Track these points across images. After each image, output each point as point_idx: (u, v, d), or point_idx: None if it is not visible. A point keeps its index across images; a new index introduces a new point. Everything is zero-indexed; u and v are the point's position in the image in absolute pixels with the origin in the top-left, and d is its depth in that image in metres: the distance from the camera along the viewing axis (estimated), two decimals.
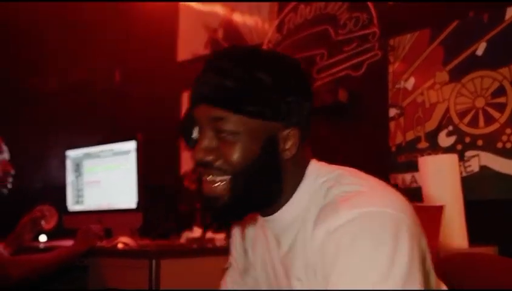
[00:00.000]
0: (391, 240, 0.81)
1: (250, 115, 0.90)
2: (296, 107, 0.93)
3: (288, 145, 0.93)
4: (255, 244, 1.10)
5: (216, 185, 0.93)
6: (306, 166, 0.98)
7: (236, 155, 0.91)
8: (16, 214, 2.22)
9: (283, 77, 0.92)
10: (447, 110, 2.09)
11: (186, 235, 2.27)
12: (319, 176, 0.96)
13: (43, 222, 2.21)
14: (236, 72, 0.90)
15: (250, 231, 1.11)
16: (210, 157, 0.92)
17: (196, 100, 0.94)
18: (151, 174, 2.71)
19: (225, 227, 1.01)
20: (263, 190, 0.94)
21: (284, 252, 0.98)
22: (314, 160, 1.00)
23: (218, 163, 0.92)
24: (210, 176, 0.93)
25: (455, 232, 1.80)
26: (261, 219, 1.04)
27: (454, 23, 2.10)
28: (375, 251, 0.80)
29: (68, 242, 2.21)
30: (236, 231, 1.16)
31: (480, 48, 2.02)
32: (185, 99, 3.14)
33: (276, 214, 0.97)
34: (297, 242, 0.95)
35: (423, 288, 0.81)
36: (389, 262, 0.80)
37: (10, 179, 2.12)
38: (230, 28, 2.96)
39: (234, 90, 0.89)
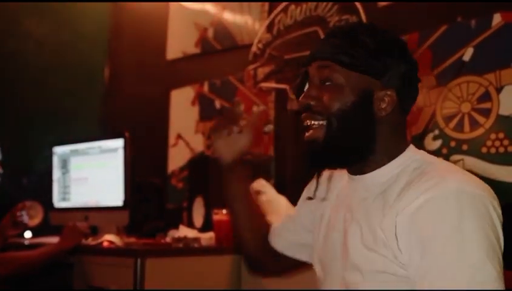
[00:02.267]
0: (479, 219, 0.90)
1: (349, 67, 1.02)
2: (394, 71, 1.03)
3: (383, 104, 1.02)
4: (336, 198, 1.17)
5: (313, 128, 1.04)
6: (406, 143, 1.06)
7: (333, 100, 1.02)
8: (2, 211, 2.21)
9: (386, 44, 1.03)
10: (433, 114, 2.10)
11: (172, 234, 2.27)
12: (416, 154, 1.05)
13: (26, 218, 2.19)
14: (345, 34, 1.04)
15: (337, 185, 1.18)
16: (312, 102, 1.04)
17: (310, 59, 1.07)
18: (138, 172, 2.71)
19: (320, 169, 1.14)
20: (355, 137, 1.03)
21: (355, 203, 1.06)
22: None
23: (317, 107, 1.03)
24: (309, 121, 1.04)
25: None
26: (349, 178, 1.11)
27: (442, 28, 2.12)
28: (464, 224, 0.88)
29: (54, 239, 2.21)
30: (323, 183, 1.23)
31: (467, 54, 2.04)
32: (174, 97, 3.14)
33: (366, 175, 1.05)
34: (377, 199, 1.02)
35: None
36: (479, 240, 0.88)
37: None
38: (220, 27, 2.96)
39: (339, 46, 1.03)
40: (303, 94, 1.06)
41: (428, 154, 1.07)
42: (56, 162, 2.69)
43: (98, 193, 2.51)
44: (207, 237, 2.12)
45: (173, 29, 3.22)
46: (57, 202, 2.67)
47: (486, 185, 0.97)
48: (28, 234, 2.71)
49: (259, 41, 2.70)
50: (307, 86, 1.08)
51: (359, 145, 1.03)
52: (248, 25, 2.82)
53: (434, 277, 0.88)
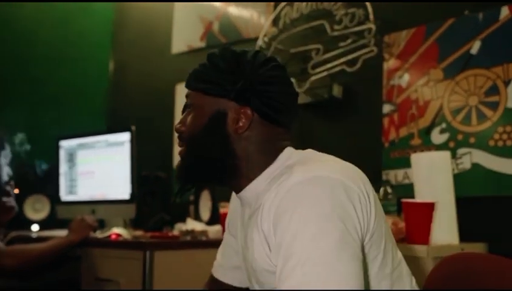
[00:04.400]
0: (327, 202, 0.88)
1: (202, 91, 1.06)
2: (248, 89, 1.03)
3: (240, 122, 1.04)
4: (236, 218, 1.19)
5: (180, 151, 1.10)
6: (277, 151, 1.06)
7: (189, 125, 1.07)
8: None
9: (238, 64, 1.05)
10: (440, 108, 2.10)
11: (179, 227, 2.28)
12: (288, 159, 1.04)
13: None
14: (205, 61, 1.09)
15: (237, 207, 1.19)
16: (179, 126, 1.09)
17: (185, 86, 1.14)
18: (145, 166, 2.72)
19: (185, 190, 1.13)
20: (209, 157, 1.05)
21: (246, 221, 1.08)
22: (291, 147, 1.07)
23: (182, 132, 1.09)
24: (179, 144, 1.10)
25: (446, 229, 1.82)
26: (237, 197, 1.12)
27: (450, 21, 2.11)
28: (312, 210, 0.88)
29: (61, 233, 2.22)
30: (232, 206, 1.25)
31: (475, 47, 2.04)
32: (179, 91, 3.15)
33: (242, 192, 1.07)
34: (255, 214, 1.02)
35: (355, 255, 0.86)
36: (323, 222, 0.86)
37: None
38: (226, 20, 2.96)
39: (196, 72, 1.09)
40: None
41: (303, 153, 1.06)
42: (62, 155, 2.70)
43: (105, 187, 2.52)
44: (215, 230, 2.13)
45: (178, 23, 3.22)
46: (64, 196, 2.68)
47: (348, 168, 0.97)
48: (35, 227, 2.72)
49: (265, 35, 2.70)
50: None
51: (216, 164, 1.04)
52: (253, 19, 2.82)
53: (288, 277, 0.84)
